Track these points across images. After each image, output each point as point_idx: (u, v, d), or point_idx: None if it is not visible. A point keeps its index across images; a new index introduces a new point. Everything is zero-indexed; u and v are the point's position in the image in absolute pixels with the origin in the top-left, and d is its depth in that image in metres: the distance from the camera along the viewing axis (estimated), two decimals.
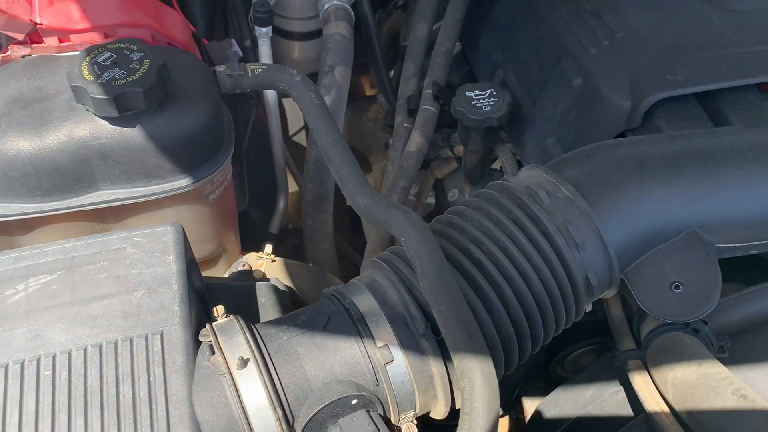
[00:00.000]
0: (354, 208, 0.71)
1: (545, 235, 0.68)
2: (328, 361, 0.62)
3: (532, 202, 0.70)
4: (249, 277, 0.85)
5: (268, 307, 0.80)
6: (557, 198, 0.71)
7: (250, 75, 0.78)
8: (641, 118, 0.82)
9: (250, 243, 1.09)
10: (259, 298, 0.80)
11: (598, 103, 0.86)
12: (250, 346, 0.60)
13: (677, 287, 0.70)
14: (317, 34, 1.43)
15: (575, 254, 0.69)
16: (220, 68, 0.78)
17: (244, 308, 0.78)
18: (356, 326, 0.64)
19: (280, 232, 1.17)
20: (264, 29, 1.02)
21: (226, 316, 0.66)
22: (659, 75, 0.82)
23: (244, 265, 0.86)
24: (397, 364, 0.63)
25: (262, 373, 0.59)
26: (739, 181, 0.72)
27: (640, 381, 0.74)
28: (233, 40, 0.97)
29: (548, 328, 0.70)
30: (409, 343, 0.63)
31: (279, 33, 1.38)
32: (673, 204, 0.72)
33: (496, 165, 1.11)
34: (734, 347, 0.77)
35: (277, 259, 0.93)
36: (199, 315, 0.67)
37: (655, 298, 0.71)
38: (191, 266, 0.67)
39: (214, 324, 0.64)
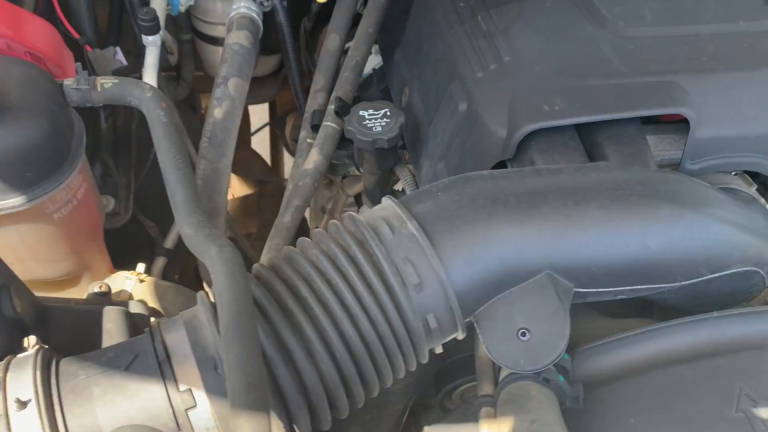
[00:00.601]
0: (182, 237, 0.67)
1: (379, 274, 0.64)
2: (125, 404, 0.58)
3: (372, 238, 0.66)
4: (105, 299, 0.81)
5: (113, 334, 0.76)
6: (401, 234, 0.67)
7: (99, 89, 0.74)
8: (515, 149, 0.78)
9: (143, 258, 1.05)
10: (105, 323, 0.76)
11: (478, 130, 0.82)
12: (36, 385, 0.56)
13: (524, 334, 0.66)
14: None
15: (412, 295, 0.65)
16: (67, 81, 0.75)
17: (87, 335, 0.75)
18: (160, 367, 0.60)
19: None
20: (150, 38, 0.98)
21: (37, 347, 0.62)
22: (536, 104, 0.77)
23: (101, 287, 0.82)
24: (200, 410, 0.59)
25: (41, 417, 0.55)
26: (598, 223, 0.68)
27: (486, 430, 0.70)
28: (118, 48, 0.94)
29: (381, 372, 0.66)
30: (215, 388, 0.59)
31: (204, 38, 1.35)
32: (525, 245, 0.67)
33: (399, 186, 1.07)
34: (595, 398, 0.72)
35: (147, 279, 0.89)
36: (6, 346, 0.63)
37: (501, 345, 0.67)
38: (2, 292, 0.63)
39: (14, 358, 0.61)
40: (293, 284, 0.64)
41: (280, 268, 0.66)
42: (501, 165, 0.82)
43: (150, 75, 0.98)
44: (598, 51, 0.82)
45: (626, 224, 0.68)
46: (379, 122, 0.94)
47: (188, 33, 1.36)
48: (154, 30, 0.98)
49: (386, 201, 0.72)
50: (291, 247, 0.70)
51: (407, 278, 0.65)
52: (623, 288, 0.71)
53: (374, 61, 1.24)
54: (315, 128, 1.07)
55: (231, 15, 1.09)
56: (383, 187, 1.05)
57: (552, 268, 0.68)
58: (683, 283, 0.72)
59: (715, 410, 0.66)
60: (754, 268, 0.74)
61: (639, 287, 0.71)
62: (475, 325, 0.69)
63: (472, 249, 0.67)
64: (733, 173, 0.85)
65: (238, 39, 1.04)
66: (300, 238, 0.70)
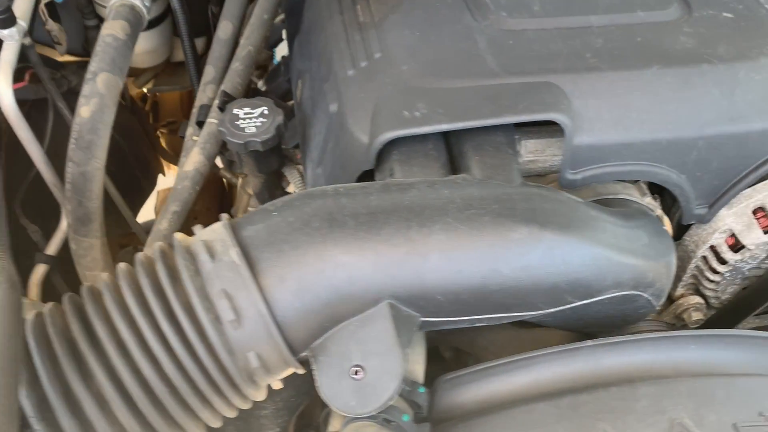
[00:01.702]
0: None
1: (189, 311, 0.58)
2: None
3: (187, 268, 0.59)
4: None
5: None
6: (221, 262, 0.60)
7: None
8: (375, 158, 0.70)
9: (21, 265, 0.98)
10: None
11: (344, 136, 0.74)
12: None
13: (357, 372, 0.60)
14: (153, 23, 1.31)
15: (229, 332, 0.58)
16: None
17: None
18: None
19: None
20: (5, 31, 0.90)
21: None
22: (397, 109, 0.69)
23: None
24: None
25: None
26: (443, 247, 0.60)
27: None
28: None
29: (196, 415, 0.60)
30: None
31: None
32: (362, 272, 0.60)
33: (291, 188, 0.99)
34: None
35: None
36: None
37: (334, 384, 0.60)
38: None
39: None
40: (91, 324, 0.57)
41: (85, 301, 0.59)
42: (367, 175, 0.74)
43: (3, 72, 0.91)
44: (474, 47, 0.73)
45: (475, 248, 0.61)
46: (254, 122, 0.86)
47: (93, 19, 1.28)
48: (7, 23, 0.90)
49: (219, 222, 0.64)
50: (107, 274, 0.63)
51: (222, 314, 0.58)
52: (480, 317, 0.64)
53: (285, 49, 1.16)
54: (200, 125, 0.99)
55: (111, 2, 1.00)
56: (272, 189, 0.98)
57: (393, 297, 0.61)
58: (550, 310, 0.65)
59: None
60: (635, 292, 0.68)
61: (498, 315, 0.64)
62: (311, 360, 0.62)
63: (301, 278, 0.60)
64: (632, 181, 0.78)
65: (113, 30, 0.95)
66: (119, 264, 0.63)
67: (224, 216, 0.65)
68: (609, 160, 0.71)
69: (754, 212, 0.78)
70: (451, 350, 0.99)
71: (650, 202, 0.76)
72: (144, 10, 1.01)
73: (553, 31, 0.74)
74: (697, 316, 0.87)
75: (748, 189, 0.78)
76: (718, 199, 0.78)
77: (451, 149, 0.71)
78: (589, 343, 0.67)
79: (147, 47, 1.33)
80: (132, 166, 1.60)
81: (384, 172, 0.71)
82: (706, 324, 0.88)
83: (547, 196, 0.65)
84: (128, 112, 1.63)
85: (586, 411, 0.63)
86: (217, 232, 0.63)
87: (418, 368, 0.69)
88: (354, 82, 0.76)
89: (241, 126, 0.86)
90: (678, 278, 0.87)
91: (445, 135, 0.72)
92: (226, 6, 1.05)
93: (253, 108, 0.88)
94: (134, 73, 1.51)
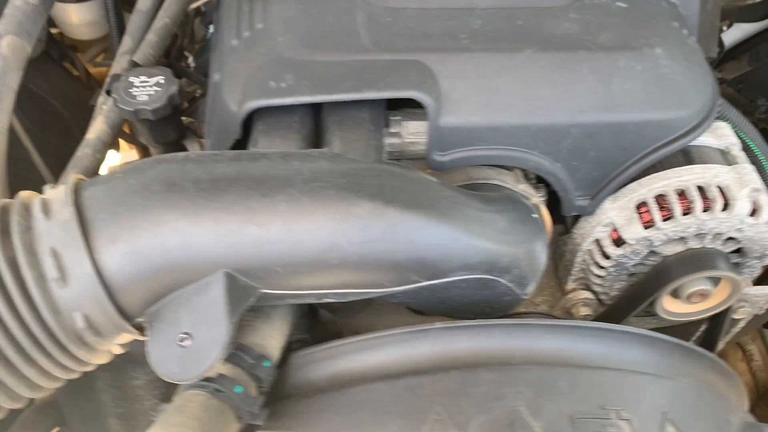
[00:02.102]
0: None
1: (13, 267, 0.57)
2: None
3: (19, 223, 0.58)
4: None
5: None
6: (55, 220, 0.59)
7: None
8: (240, 127, 0.69)
9: None
10: None
11: (220, 105, 0.74)
12: None
13: (183, 340, 0.59)
14: None
15: (54, 291, 0.58)
16: None
17: None
18: None
19: None
20: None
21: None
22: (265, 79, 0.68)
23: None
24: None
25: None
26: (284, 218, 0.59)
27: None
28: None
29: (21, 375, 0.59)
30: None
31: None
32: (198, 239, 0.59)
33: None
34: (293, 412, 0.65)
35: None
36: None
37: (162, 351, 0.59)
38: None
39: None
40: None
41: None
42: (240, 145, 0.73)
43: None
44: (352, 22, 0.72)
45: (316, 221, 0.60)
46: (147, 90, 0.85)
47: None
48: None
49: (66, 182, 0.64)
50: None
51: (47, 271, 0.57)
52: (323, 291, 0.63)
53: None
54: (108, 93, 0.98)
55: None
56: None
57: (231, 267, 0.60)
58: (397, 288, 0.64)
59: None
60: (489, 276, 0.66)
61: (342, 291, 0.63)
62: (146, 326, 0.61)
63: (134, 242, 0.59)
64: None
65: None
66: None
67: (78, 177, 0.65)
68: (476, 144, 0.70)
69: (638, 207, 0.76)
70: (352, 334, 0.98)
71: (525, 189, 0.74)
72: None
73: (434, 11, 0.73)
74: (585, 311, 0.85)
75: (634, 183, 0.77)
76: (599, 191, 0.77)
77: (319, 123, 0.70)
78: (439, 324, 0.66)
79: (87, 19, 1.33)
80: (77, 139, 1.60)
81: (251, 143, 0.70)
82: (596, 320, 0.87)
83: (398, 174, 0.64)
84: (81, 86, 1.62)
85: (423, 393, 0.62)
86: (59, 190, 0.62)
87: (272, 343, 0.68)
88: (234, 52, 0.75)
89: (134, 93, 0.85)
90: (567, 272, 0.85)
91: (316, 108, 0.71)
92: None
93: (149, 77, 0.87)
94: (82, 48, 1.51)
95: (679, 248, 0.78)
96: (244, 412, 0.62)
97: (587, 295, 0.86)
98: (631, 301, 0.81)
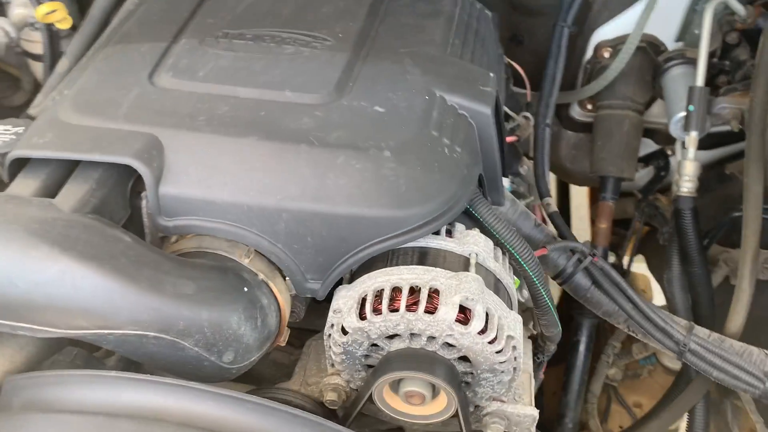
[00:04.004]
0: None
1: None
2: None
3: None
4: None
5: None
6: None
7: None
8: (7, 174, 0.80)
9: None
10: None
11: None
12: None
13: None
14: None
15: None
16: None
17: None
18: None
19: None
20: None
21: None
22: (35, 135, 0.80)
23: None
24: None
25: None
26: None
27: None
28: None
29: None
30: None
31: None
32: None
33: None
34: None
35: None
36: None
37: None
38: None
39: None
40: None
41: None
42: None
43: None
44: (124, 96, 0.82)
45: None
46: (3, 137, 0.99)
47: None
48: None
49: None
50: None
51: None
52: (10, 323, 0.71)
53: None
54: None
55: None
56: None
57: None
58: (69, 332, 0.70)
59: None
60: (167, 336, 0.71)
61: (19, 324, 0.70)
62: None
63: None
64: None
65: None
66: None
67: None
68: (197, 214, 0.76)
69: (362, 298, 0.79)
70: None
71: (250, 264, 0.79)
72: None
73: (194, 95, 0.82)
74: (331, 396, 0.86)
75: (365, 275, 0.80)
76: (328, 276, 0.80)
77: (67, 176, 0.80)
78: (115, 374, 0.71)
79: None
80: None
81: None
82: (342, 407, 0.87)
83: (89, 227, 0.71)
84: None
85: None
86: None
87: None
88: (44, 111, 0.88)
89: None
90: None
91: (73, 163, 0.80)
92: None
93: (14, 126, 1.02)
94: None
95: (402, 345, 0.79)
96: None
97: (338, 381, 0.87)
98: (360, 393, 0.82)
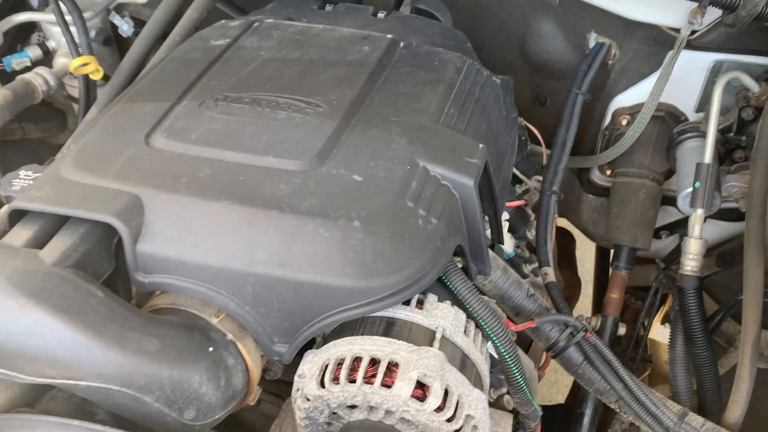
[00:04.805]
0: None
1: None
2: None
3: None
4: None
5: None
6: None
7: None
8: (6, 222, 0.86)
9: None
10: None
11: None
12: None
13: None
14: None
15: None
16: None
17: None
18: None
19: None
20: None
21: None
22: (35, 188, 0.85)
23: None
24: None
25: None
26: None
27: None
28: None
29: None
30: None
31: None
32: None
33: None
34: None
35: None
36: None
37: None
38: None
39: None
40: None
41: None
42: None
43: None
44: (119, 155, 0.86)
45: None
46: (25, 183, 1.06)
47: None
48: None
49: None
50: None
51: None
52: None
53: None
54: None
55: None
56: None
57: None
58: (37, 379, 0.74)
59: None
60: (128, 391, 0.74)
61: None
62: None
63: None
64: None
65: None
66: None
67: None
68: (169, 272, 0.80)
69: (324, 365, 0.79)
70: None
71: (219, 323, 0.81)
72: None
73: (183, 156, 0.86)
74: None
75: (331, 342, 0.81)
76: (294, 340, 0.81)
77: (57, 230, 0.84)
78: (78, 423, 0.74)
79: None
80: None
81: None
82: None
83: (66, 280, 0.75)
84: None
85: None
86: None
87: None
88: (50, 165, 0.93)
89: (14, 183, 1.06)
90: None
91: (64, 218, 0.85)
92: None
93: (35, 172, 1.08)
94: None
95: (361, 416, 0.79)
96: None
97: None
98: None
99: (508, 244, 1.21)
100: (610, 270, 1.36)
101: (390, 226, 0.81)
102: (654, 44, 1.22)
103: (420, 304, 0.85)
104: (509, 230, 1.25)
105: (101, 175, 0.85)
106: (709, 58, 1.19)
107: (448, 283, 0.87)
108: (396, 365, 0.77)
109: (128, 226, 0.78)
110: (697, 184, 1.09)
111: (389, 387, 0.75)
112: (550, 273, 1.13)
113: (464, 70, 1.12)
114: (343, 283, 0.77)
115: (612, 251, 1.46)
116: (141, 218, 0.80)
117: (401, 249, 0.80)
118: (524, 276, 1.24)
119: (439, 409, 0.76)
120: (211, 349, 0.79)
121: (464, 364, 0.82)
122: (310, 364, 0.81)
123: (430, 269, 0.82)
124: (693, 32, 1.15)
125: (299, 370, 0.82)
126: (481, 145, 0.96)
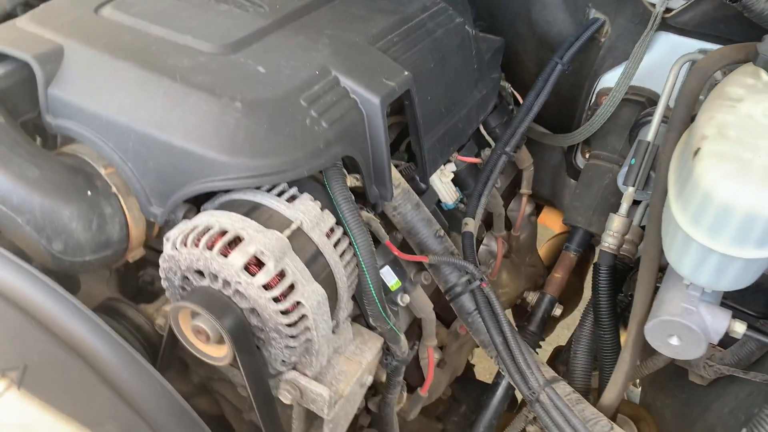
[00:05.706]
0: None
1: None
2: None
3: None
4: None
5: None
6: None
7: None
8: None
9: None
10: None
11: None
12: None
13: None
14: None
15: None
16: None
17: None
18: None
19: None
20: None
21: None
22: None
23: None
24: None
25: None
26: None
27: None
28: None
29: None
30: None
31: None
32: None
33: None
34: None
35: None
36: None
37: None
38: None
39: None
40: None
41: None
42: None
43: None
44: (71, 14, 0.95)
45: None
46: None
47: None
48: None
49: None
50: None
51: None
52: None
53: None
54: None
55: None
56: None
57: None
58: None
59: None
60: (3, 208, 0.82)
61: None
62: None
63: None
64: None
65: None
66: None
67: None
68: (72, 118, 0.87)
69: (183, 231, 0.84)
70: None
71: (107, 175, 0.87)
72: None
73: (116, 24, 0.94)
74: (160, 321, 0.93)
75: (201, 213, 0.86)
76: (166, 204, 0.87)
77: None
78: None
79: None
80: None
81: None
82: None
83: None
84: None
85: None
86: None
87: None
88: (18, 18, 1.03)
89: None
90: None
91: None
92: None
93: None
94: None
95: (205, 284, 0.83)
96: None
97: (167, 308, 0.93)
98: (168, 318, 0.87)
99: (450, 196, 1.21)
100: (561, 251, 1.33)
101: (272, 115, 0.85)
102: (639, 23, 1.18)
103: (292, 199, 0.88)
104: (457, 184, 1.25)
105: (43, 26, 0.93)
106: (694, 45, 1.14)
107: (329, 189, 0.90)
108: (241, 239, 0.81)
109: (43, 68, 0.87)
110: (633, 161, 1.05)
111: (226, 256, 0.79)
112: (470, 224, 1.12)
113: (431, 10, 1.13)
114: (209, 154, 0.82)
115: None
116: (57, 65, 0.88)
117: (274, 138, 0.84)
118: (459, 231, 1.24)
119: (269, 287, 0.79)
120: (89, 193, 0.86)
121: (314, 260, 0.85)
122: (177, 230, 0.86)
123: (300, 165, 0.84)
124: (669, 10, 1.10)
125: (166, 234, 0.87)
126: (406, 72, 0.97)
